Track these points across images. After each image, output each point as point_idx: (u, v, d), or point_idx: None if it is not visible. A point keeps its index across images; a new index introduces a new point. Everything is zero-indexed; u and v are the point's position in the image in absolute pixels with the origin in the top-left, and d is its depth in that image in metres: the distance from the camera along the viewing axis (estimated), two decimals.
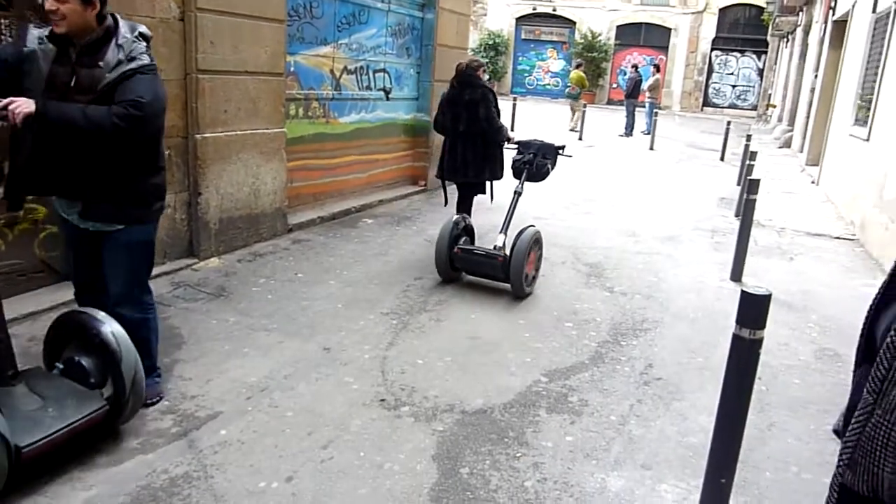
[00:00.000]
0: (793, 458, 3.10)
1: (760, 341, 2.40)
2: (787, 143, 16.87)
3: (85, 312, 2.81)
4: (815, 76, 14.00)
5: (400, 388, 3.47)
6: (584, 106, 17.07)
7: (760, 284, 2.46)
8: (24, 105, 2.50)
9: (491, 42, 29.24)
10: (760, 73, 27.53)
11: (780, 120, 19.84)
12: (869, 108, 8.26)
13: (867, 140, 8.05)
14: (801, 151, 14.28)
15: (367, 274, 5.22)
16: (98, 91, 2.65)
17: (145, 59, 2.73)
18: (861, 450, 1.00)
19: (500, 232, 5.12)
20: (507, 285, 4.93)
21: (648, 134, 16.08)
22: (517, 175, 5.43)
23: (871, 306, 1.11)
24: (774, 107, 22.28)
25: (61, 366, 2.80)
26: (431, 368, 3.72)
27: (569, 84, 17.38)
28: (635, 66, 19.19)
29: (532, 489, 2.73)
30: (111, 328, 2.72)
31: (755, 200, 5.63)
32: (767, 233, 7.59)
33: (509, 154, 5.70)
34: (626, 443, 3.12)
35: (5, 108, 2.49)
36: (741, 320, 2.38)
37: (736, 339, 2.42)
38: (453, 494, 2.65)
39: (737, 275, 5.63)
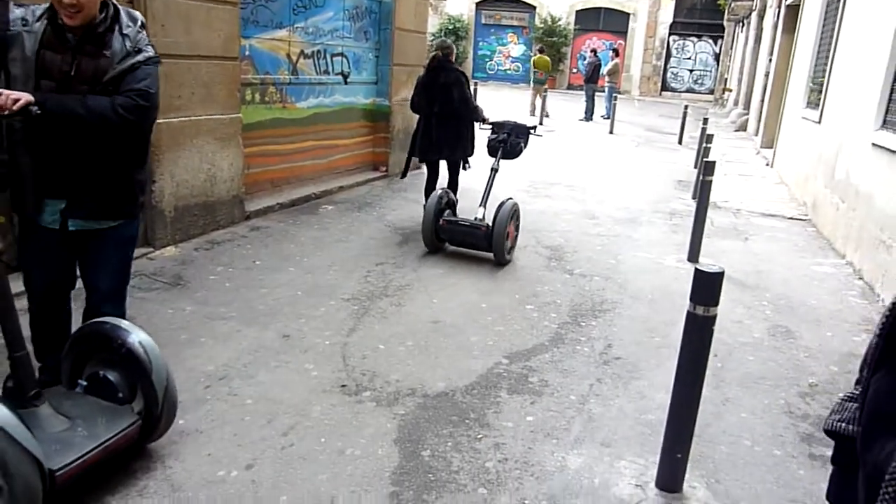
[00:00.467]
0: (747, 432, 3.18)
1: (714, 318, 2.45)
2: (743, 127, 17.20)
3: (107, 323, 2.63)
4: (770, 60, 14.27)
5: (361, 373, 3.46)
6: (546, 91, 17.16)
7: (716, 264, 2.50)
8: (20, 93, 2.27)
9: (451, 27, 29.05)
10: (717, 57, 27.94)
11: (735, 104, 20.19)
12: (820, 92, 8.46)
13: (819, 122, 8.24)
14: (756, 134, 14.58)
15: (328, 260, 5.17)
16: (103, 82, 2.49)
17: (150, 51, 2.60)
18: None
19: (480, 205, 5.48)
20: (489, 254, 5.33)
21: (608, 118, 16.23)
22: (492, 153, 5.78)
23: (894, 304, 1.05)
24: (731, 91, 22.66)
25: (84, 383, 2.61)
26: (393, 353, 3.71)
27: (537, 70, 17.36)
28: (594, 51, 19.33)
29: (493, 469, 2.75)
30: (138, 338, 2.55)
31: (711, 182, 5.73)
32: (724, 214, 7.74)
33: (480, 133, 6.08)
34: (585, 422, 3.16)
35: None
36: (695, 298, 2.43)
37: (690, 316, 2.46)
38: (415, 477, 2.66)
39: (694, 255, 5.73)
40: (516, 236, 5.58)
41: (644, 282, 5.20)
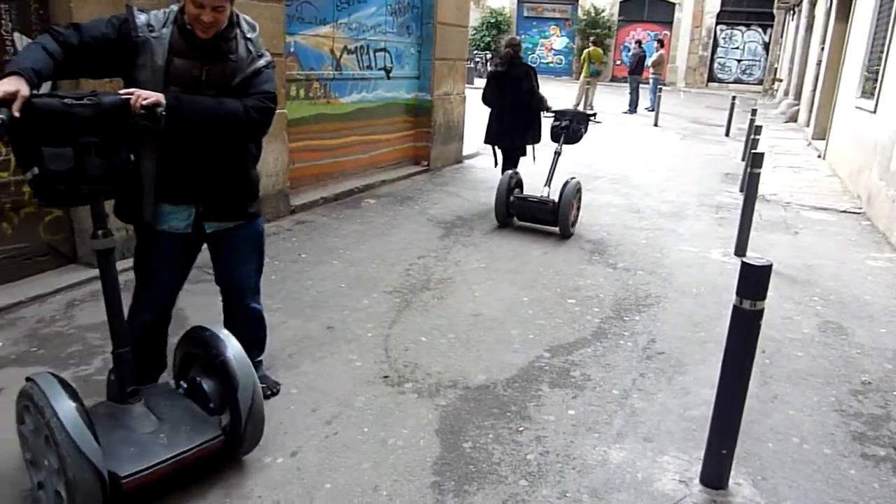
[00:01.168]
0: (795, 429, 3.11)
1: (761, 312, 2.40)
2: (794, 118, 16.72)
3: (209, 330, 2.60)
4: (822, 49, 13.83)
5: (403, 364, 3.49)
6: (588, 83, 16.96)
7: (763, 257, 2.45)
8: (151, 93, 2.27)
9: (493, 20, 28.94)
10: (766, 46, 27.20)
11: (786, 94, 19.64)
12: (876, 80, 8.17)
13: (874, 112, 7.97)
14: (808, 125, 14.16)
15: (370, 253, 5.23)
16: (232, 86, 2.52)
17: (269, 55, 2.65)
18: None
19: (545, 185, 6.06)
20: (555, 229, 5.92)
21: (652, 110, 15.97)
22: (555, 139, 6.30)
23: None
24: (781, 81, 22.05)
25: (185, 385, 2.63)
26: (434, 345, 3.74)
27: (593, 61, 17.11)
28: (639, 43, 19.01)
29: (534, 462, 2.75)
30: (233, 351, 2.50)
31: (759, 174, 5.59)
32: (772, 207, 7.56)
33: (546, 121, 6.53)
34: (628, 416, 3.14)
35: (129, 96, 2.22)
36: (741, 292, 2.39)
37: (736, 310, 2.42)
38: (456, 468, 2.68)
39: (741, 249, 5.61)
40: (578, 212, 6.16)
41: (689, 276, 5.12)
